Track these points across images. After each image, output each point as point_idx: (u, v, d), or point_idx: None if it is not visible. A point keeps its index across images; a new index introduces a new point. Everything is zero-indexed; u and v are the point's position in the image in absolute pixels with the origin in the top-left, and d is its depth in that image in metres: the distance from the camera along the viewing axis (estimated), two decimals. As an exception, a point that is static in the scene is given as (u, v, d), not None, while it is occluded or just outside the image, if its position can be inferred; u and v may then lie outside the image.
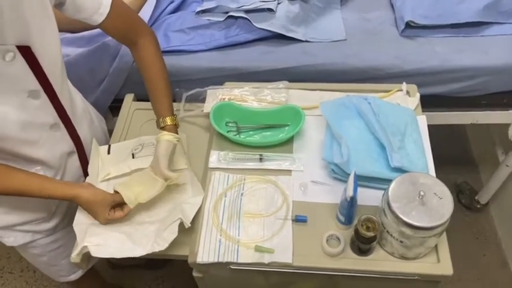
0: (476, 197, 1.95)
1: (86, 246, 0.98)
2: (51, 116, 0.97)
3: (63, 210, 1.16)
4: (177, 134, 1.07)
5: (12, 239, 1.12)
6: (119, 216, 1.00)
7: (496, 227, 1.94)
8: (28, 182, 0.95)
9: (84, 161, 1.13)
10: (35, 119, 0.93)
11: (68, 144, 1.06)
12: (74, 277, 1.32)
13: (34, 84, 0.89)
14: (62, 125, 1.01)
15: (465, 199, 1.99)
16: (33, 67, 0.87)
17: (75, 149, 1.08)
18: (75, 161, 1.10)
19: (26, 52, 0.84)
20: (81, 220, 1.04)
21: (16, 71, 0.84)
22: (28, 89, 0.89)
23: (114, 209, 1.01)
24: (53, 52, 0.92)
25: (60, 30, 0.94)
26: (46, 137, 0.98)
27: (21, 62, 0.84)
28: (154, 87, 1.07)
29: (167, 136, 1.04)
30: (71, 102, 1.04)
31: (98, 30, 1.39)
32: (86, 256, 1.04)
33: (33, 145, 0.96)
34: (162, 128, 1.06)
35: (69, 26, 1.41)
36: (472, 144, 2.24)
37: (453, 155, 2.17)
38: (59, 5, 0.92)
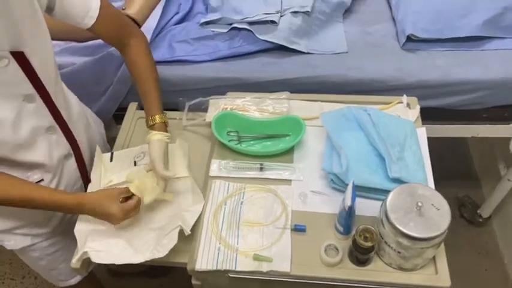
0: (478, 211, 1.94)
1: (86, 252, 0.99)
2: (47, 119, 0.98)
3: (61, 213, 1.17)
4: (167, 132, 1.07)
5: (13, 242, 1.13)
6: (132, 204, 0.98)
7: (498, 241, 1.93)
8: (31, 194, 0.95)
9: (81, 164, 1.14)
10: (30, 123, 0.94)
11: (64, 147, 1.06)
12: (73, 281, 1.32)
13: (28, 88, 0.90)
14: (58, 128, 1.02)
15: (467, 213, 1.98)
16: (27, 72, 0.88)
17: (71, 152, 1.09)
18: (72, 164, 1.11)
19: (20, 57, 0.85)
20: (82, 226, 1.05)
21: (10, 76, 0.85)
22: (23, 94, 0.90)
23: (125, 200, 1.00)
24: (46, 56, 0.94)
25: (62, 39, 0.95)
26: (42, 140, 0.99)
27: (15, 67, 0.85)
28: (144, 85, 1.07)
29: (158, 136, 1.04)
30: (66, 106, 1.05)
31: (103, 39, 1.43)
32: (86, 262, 1.05)
33: (30, 148, 0.97)
34: (152, 127, 1.06)
35: (71, 35, 1.43)
36: (474, 157, 2.24)
37: (455, 168, 2.17)
38: (48, 10, 0.93)
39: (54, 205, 0.98)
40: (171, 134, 1.08)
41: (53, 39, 0.97)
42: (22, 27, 0.84)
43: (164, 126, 1.07)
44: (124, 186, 1.07)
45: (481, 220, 1.94)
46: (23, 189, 0.95)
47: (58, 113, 1.01)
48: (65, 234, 1.19)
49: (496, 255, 1.89)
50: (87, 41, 1.46)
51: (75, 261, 1.01)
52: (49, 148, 1.01)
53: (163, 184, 1.03)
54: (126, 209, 0.98)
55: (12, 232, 1.11)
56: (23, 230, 1.11)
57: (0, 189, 0.92)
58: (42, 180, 1.03)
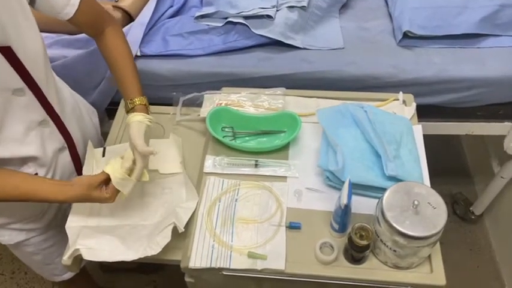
0: (471, 208, 1.95)
1: (77, 249, 0.98)
2: (39, 112, 0.97)
3: (56, 207, 1.16)
4: (148, 114, 1.03)
5: (7, 237, 1.12)
6: (113, 187, 0.95)
7: (491, 238, 1.94)
8: (20, 187, 0.93)
9: (75, 157, 1.12)
10: (22, 117, 0.93)
11: (58, 140, 1.05)
12: (67, 276, 1.31)
13: (17, 82, 0.89)
14: (50, 122, 1.01)
15: (460, 210, 2.00)
16: (15, 66, 0.87)
17: (65, 145, 1.08)
18: (66, 156, 1.10)
19: (7, 52, 0.84)
20: (74, 222, 1.04)
21: None
22: (12, 88, 0.89)
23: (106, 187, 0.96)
24: (34, 49, 0.92)
25: (53, 32, 0.94)
26: (35, 134, 0.98)
27: (2, 62, 0.84)
28: (123, 70, 1.05)
29: (137, 117, 1.00)
30: (58, 98, 1.03)
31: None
32: (78, 259, 1.03)
33: (23, 142, 0.95)
34: (131, 110, 1.02)
35: (62, 27, 1.41)
36: (468, 155, 2.24)
37: (448, 165, 2.18)
38: (31, 2, 0.91)
39: (43, 200, 0.96)
40: (164, 127, 1.05)
41: (43, 31, 0.96)
42: (7, 22, 0.82)
43: (145, 109, 1.04)
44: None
45: (473, 217, 1.96)
46: (11, 183, 0.92)
47: (50, 106, 0.99)
48: (60, 229, 1.18)
49: (488, 252, 1.91)
50: (76, 33, 1.43)
51: (66, 258, 1.00)
52: (42, 142, 1.00)
53: (143, 163, 0.97)
54: (110, 194, 0.95)
55: (6, 227, 1.09)
56: (17, 225, 1.10)
57: None
58: (36, 174, 1.02)
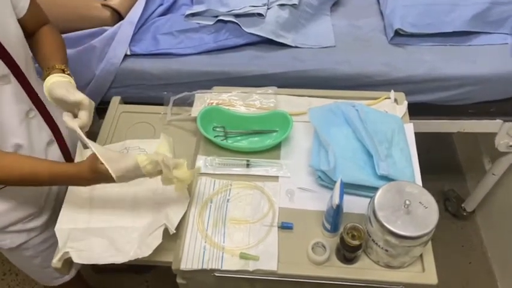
0: (462, 205, 1.96)
1: (67, 252, 0.97)
2: (25, 101, 0.97)
3: (52, 204, 1.16)
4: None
5: (9, 241, 1.11)
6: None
7: (482, 235, 1.96)
8: (34, 169, 0.90)
9: (65, 150, 1.12)
10: (11, 106, 0.93)
11: (46, 132, 1.05)
12: (68, 277, 1.29)
13: (2, 68, 0.89)
14: (37, 112, 1.00)
15: (452, 207, 2.00)
16: None
17: (53, 138, 1.08)
18: (55, 150, 1.09)
19: None
20: (64, 224, 1.03)
21: None
22: None
23: None
24: (15, 36, 0.92)
25: None
26: (25, 126, 0.98)
27: None
28: (49, 46, 1.02)
29: (53, 78, 0.93)
30: (42, 87, 1.02)
31: (85, 31, 1.39)
32: (68, 262, 1.02)
33: (13, 134, 0.96)
34: (47, 76, 0.96)
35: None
36: (459, 152, 2.25)
37: (440, 162, 2.18)
38: None
39: (57, 176, 0.92)
40: (154, 127, 1.03)
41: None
42: None
43: (62, 71, 0.98)
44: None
45: (465, 214, 1.97)
46: (25, 166, 0.91)
47: (36, 96, 0.99)
48: None
49: (480, 248, 1.92)
50: (65, 32, 1.42)
51: (55, 261, 0.98)
52: (30, 134, 1.00)
53: (87, 115, 0.94)
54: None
55: (6, 230, 1.09)
56: (17, 226, 1.09)
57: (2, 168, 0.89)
58: None
